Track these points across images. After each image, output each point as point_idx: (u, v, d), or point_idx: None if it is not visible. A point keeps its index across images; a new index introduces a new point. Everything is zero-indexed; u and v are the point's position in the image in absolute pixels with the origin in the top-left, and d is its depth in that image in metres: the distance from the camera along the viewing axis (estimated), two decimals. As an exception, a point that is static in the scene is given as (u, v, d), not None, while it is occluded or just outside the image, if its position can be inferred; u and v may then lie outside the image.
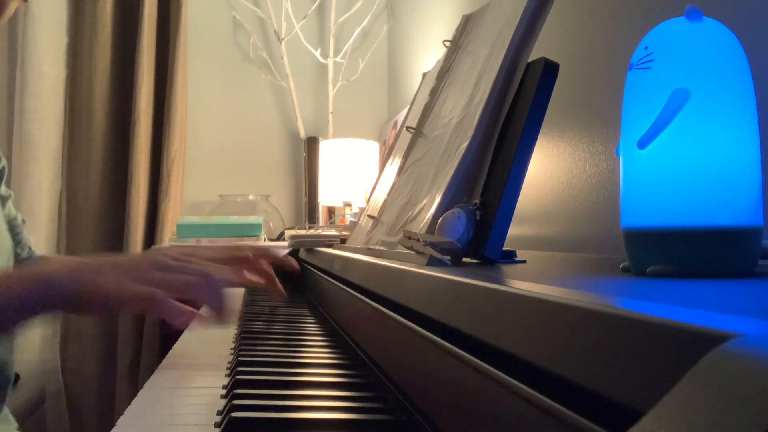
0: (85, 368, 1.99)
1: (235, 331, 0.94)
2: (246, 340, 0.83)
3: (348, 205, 1.97)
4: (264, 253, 0.83)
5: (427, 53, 1.92)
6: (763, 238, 0.38)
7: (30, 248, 1.09)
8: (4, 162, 1.05)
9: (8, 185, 1.08)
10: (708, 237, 0.36)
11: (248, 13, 2.32)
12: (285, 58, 2.28)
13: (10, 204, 1.06)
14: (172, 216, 2.05)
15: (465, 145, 0.60)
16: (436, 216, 0.57)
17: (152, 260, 0.70)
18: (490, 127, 0.59)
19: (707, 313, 0.20)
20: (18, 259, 1.05)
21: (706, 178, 0.36)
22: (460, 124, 0.65)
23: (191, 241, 1.77)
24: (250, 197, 2.23)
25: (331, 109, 2.32)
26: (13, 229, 1.06)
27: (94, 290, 0.67)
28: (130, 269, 0.69)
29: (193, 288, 0.68)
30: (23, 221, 1.10)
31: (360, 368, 0.67)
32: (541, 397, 0.24)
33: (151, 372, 0.71)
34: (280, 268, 0.87)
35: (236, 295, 1.33)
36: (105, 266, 0.69)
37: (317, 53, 2.33)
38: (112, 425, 0.50)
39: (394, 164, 0.89)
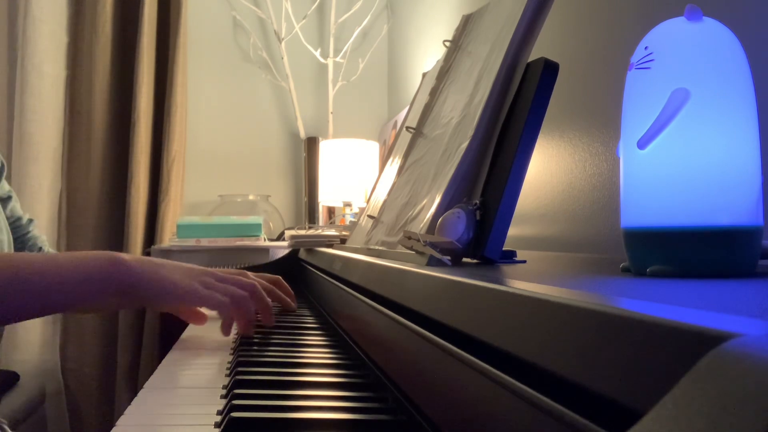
0: (85, 368, 1.99)
1: (235, 332, 0.94)
2: (246, 340, 0.83)
3: (348, 205, 1.97)
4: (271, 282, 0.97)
5: (427, 53, 1.92)
6: (763, 238, 0.38)
7: (42, 248, 1.09)
8: (1, 160, 1.04)
9: (9, 185, 1.07)
10: (708, 237, 0.36)
11: (248, 14, 2.32)
12: (285, 58, 2.28)
13: (13, 204, 1.05)
14: (172, 216, 2.05)
15: (465, 145, 0.60)
16: (436, 216, 0.57)
17: (207, 272, 0.81)
18: (490, 127, 0.59)
19: (707, 313, 0.20)
20: None
21: (706, 178, 0.36)
22: (460, 124, 0.65)
23: (191, 241, 1.76)
24: (250, 197, 2.23)
25: (331, 109, 2.32)
26: (17, 230, 1.05)
27: (167, 284, 0.76)
28: (196, 275, 0.80)
29: (246, 300, 0.81)
30: (30, 221, 1.10)
31: (360, 368, 0.67)
32: (541, 397, 0.24)
33: (151, 372, 0.71)
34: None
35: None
36: (173, 266, 0.79)
37: (317, 53, 2.33)
38: (112, 425, 0.50)
39: (394, 164, 0.89)
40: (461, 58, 0.77)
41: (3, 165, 1.04)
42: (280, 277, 1.02)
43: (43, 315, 0.77)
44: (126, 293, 0.74)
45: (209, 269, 0.83)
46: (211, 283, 0.80)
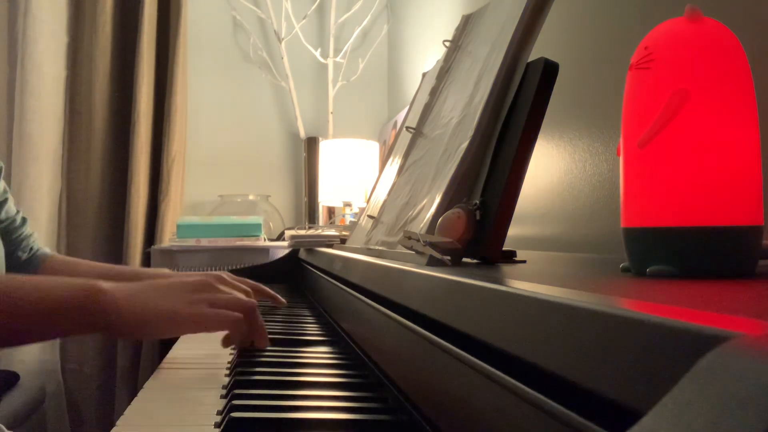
0: (85, 368, 1.99)
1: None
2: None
3: (348, 205, 1.97)
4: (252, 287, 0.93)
5: (427, 53, 1.92)
6: (763, 238, 0.38)
7: (32, 247, 1.05)
8: (0, 163, 1.02)
9: (8, 185, 1.05)
10: (708, 237, 0.36)
11: (248, 13, 2.32)
12: (285, 58, 2.28)
13: (9, 205, 1.03)
14: (172, 216, 2.05)
15: (465, 145, 0.60)
16: (436, 216, 0.57)
17: (204, 285, 0.72)
18: (489, 127, 0.59)
19: (707, 313, 0.20)
20: (19, 261, 1.03)
21: (706, 178, 0.36)
22: (460, 124, 0.65)
23: (191, 241, 1.76)
24: (250, 197, 2.23)
25: (331, 109, 2.32)
26: (11, 231, 1.03)
27: (150, 316, 0.67)
28: (183, 293, 0.69)
29: (255, 310, 0.72)
30: (24, 220, 1.06)
31: (360, 368, 0.67)
32: (541, 397, 0.24)
33: (151, 372, 0.71)
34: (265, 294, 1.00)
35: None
36: (163, 290, 0.69)
37: (317, 53, 2.33)
38: (112, 425, 0.50)
39: (394, 164, 0.89)
40: (461, 58, 0.77)
41: (1, 168, 1.03)
42: (261, 285, 0.98)
43: (18, 344, 0.69)
44: (104, 326, 0.65)
45: (205, 280, 0.73)
46: (213, 299, 0.70)
